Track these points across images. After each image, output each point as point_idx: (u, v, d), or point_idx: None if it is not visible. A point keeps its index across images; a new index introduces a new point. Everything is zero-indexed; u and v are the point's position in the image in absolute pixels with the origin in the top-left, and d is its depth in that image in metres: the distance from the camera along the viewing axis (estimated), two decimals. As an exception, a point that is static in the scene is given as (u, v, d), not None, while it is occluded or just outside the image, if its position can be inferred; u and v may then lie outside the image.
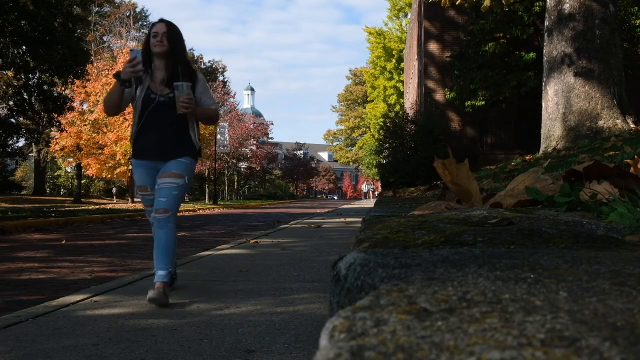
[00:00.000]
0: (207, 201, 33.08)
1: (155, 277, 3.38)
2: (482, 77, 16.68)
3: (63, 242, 8.08)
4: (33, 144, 31.84)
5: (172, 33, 3.63)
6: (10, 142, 24.18)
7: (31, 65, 17.89)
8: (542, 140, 9.53)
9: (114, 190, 36.19)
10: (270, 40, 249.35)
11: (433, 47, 23.18)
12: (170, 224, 3.48)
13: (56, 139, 27.29)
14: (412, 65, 31.17)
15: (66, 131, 25.54)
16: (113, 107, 3.62)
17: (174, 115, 3.52)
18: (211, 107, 3.78)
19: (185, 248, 7.22)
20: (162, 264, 3.41)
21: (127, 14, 39.50)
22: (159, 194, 3.50)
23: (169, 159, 3.56)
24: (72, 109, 21.60)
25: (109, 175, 27.58)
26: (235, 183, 48.34)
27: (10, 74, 18.86)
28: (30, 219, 11.55)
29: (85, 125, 25.94)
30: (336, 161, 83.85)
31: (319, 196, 75.54)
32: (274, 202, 37.99)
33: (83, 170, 29.51)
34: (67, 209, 18.59)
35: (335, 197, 74.04)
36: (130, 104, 3.70)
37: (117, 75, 3.49)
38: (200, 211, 20.96)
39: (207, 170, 36.61)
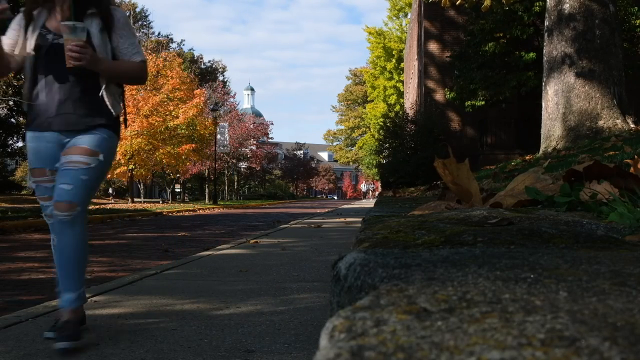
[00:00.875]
0: (207, 201, 33.09)
1: (60, 303, 2.48)
2: (482, 77, 16.69)
3: (63, 242, 8.07)
4: (33, 144, 31.80)
5: None
6: (10, 142, 24.20)
7: (31, 65, 17.87)
8: (542, 140, 9.53)
9: (110, 190, 36.21)
10: (271, 40, 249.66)
11: (433, 47, 23.18)
12: (78, 227, 2.46)
13: (56, 139, 27.27)
14: (412, 65, 31.17)
15: (66, 131, 25.55)
16: None
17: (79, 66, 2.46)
18: (133, 59, 2.63)
19: (185, 248, 7.23)
20: (70, 283, 2.48)
21: (127, 14, 39.48)
22: (61, 179, 2.45)
23: (77, 131, 2.53)
24: (72, 109, 21.58)
25: (109, 175, 27.60)
26: (235, 183, 48.36)
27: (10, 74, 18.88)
28: (30, 219, 11.55)
29: (85, 125, 25.90)
30: (336, 161, 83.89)
31: (319, 196, 75.60)
32: (274, 202, 38.00)
33: (83, 170, 29.47)
34: (67, 209, 18.53)
35: (335, 197, 74.11)
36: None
37: None
38: (200, 211, 20.96)
39: (207, 170, 36.63)
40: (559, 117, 9.06)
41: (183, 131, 27.86)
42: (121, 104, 2.69)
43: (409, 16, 41.57)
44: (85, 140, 2.50)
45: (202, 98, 28.94)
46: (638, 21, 15.35)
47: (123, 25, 2.63)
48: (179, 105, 27.80)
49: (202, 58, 50.46)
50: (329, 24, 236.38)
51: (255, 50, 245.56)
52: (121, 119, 2.72)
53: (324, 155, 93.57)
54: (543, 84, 9.60)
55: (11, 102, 19.78)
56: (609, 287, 0.54)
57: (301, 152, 71.68)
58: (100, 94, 2.56)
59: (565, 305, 0.48)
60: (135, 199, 30.69)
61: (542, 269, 0.64)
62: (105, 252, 6.81)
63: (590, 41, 8.91)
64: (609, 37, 8.96)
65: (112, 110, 2.59)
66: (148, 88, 27.92)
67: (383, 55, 46.08)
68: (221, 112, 36.66)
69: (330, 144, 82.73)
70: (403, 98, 41.96)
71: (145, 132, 25.78)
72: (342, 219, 11.92)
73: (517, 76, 16.42)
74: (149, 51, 30.82)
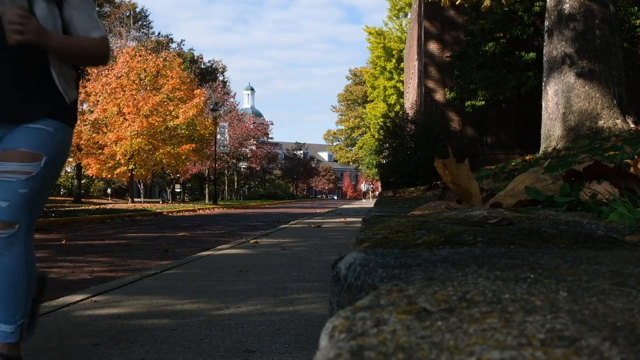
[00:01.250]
0: (207, 201, 33.10)
1: None
2: (482, 77, 16.69)
3: (63, 242, 8.08)
4: (33, 144, 31.81)
5: None
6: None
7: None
8: (542, 140, 9.53)
9: (108, 190, 36.24)
10: (271, 40, 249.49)
11: (433, 47, 23.18)
12: (16, 246, 1.95)
13: (56, 139, 27.25)
14: (412, 65, 31.17)
15: (66, 131, 25.56)
16: None
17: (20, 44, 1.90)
18: (91, 34, 2.10)
19: (185, 248, 7.23)
20: (4, 314, 1.98)
21: (127, 14, 39.53)
22: None
23: (15, 122, 1.99)
24: (72, 109, 21.63)
25: (109, 175, 27.62)
26: (235, 183, 48.37)
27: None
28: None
29: (85, 125, 25.96)
30: (336, 161, 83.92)
31: (319, 196, 75.62)
32: (274, 202, 38.00)
33: (83, 170, 29.56)
34: (67, 208, 18.60)
35: (335, 197, 74.13)
36: None
37: None
38: (200, 211, 20.97)
39: (207, 170, 36.64)
40: (559, 117, 9.06)
41: (183, 131, 27.87)
42: (76, 90, 2.19)
43: (409, 16, 41.58)
44: (23, 140, 1.97)
45: (202, 98, 28.94)
46: (638, 21, 15.36)
47: None
48: (179, 105, 27.80)
49: (202, 58, 50.45)
50: (329, 23, 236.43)
51: (255, 50, 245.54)
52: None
53: (324, 155, 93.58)
54: (543, 84, 9.60)
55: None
56: (609, 287, 0.54)
57: (301, 152, 71.70)
58: (49, 72, 2.03)
59: (565, 305, 0.48)
60: (135, 199, 30.68)
61: (542, 269, 0.64)
62: (105, 252, 6.81)
63: (590, 41, 8.91)
64: (609, 37, 8.96)
65: (65, 97, 2.07)
66: (148, 88, 27.94)
67: (383, 55, 46.09)
68: (221, 112, 36.66)
69: (330, 144, 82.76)
70: (403, 98, 41.97)
71: (145, 132, 25.79)
72: (342, 219, 11.93)
73: (517, 76, 16.42)
74: (149, 51, 30.75)
